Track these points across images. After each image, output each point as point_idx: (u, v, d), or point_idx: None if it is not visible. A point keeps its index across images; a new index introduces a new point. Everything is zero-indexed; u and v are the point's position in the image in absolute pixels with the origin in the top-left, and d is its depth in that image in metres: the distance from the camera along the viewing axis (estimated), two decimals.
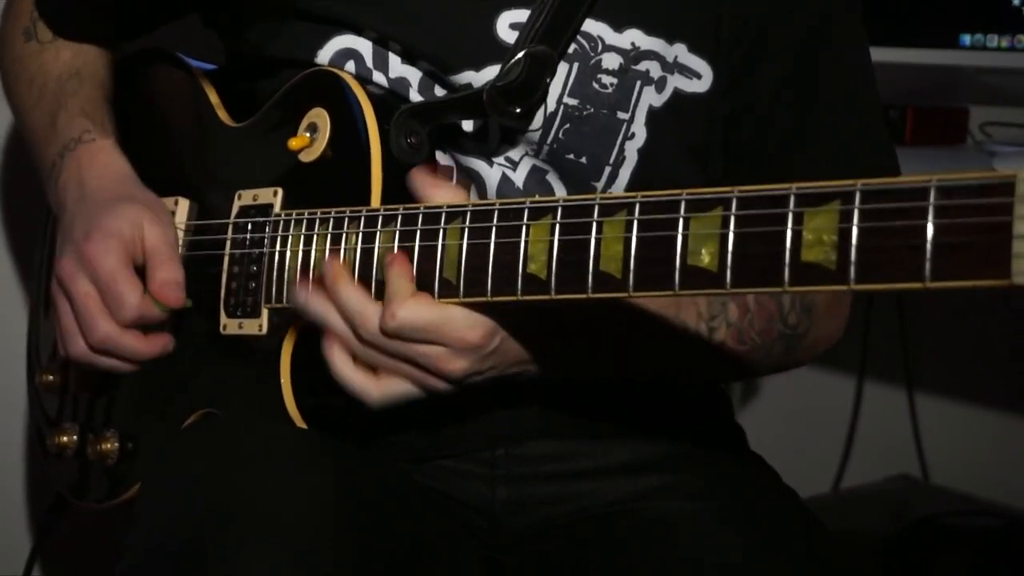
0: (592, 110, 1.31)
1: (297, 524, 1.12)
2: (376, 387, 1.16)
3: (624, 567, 1.30)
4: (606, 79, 1.30)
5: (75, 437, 1.50)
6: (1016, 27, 2.00)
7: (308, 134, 1.29)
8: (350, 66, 1.33)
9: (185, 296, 1.33)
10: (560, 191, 1.34)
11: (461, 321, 1.12)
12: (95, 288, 1.31)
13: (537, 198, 1.09)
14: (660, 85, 1.32)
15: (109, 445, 1.44)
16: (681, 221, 0.98)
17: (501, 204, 1.10)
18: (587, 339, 1.24)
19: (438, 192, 1.16)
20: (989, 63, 2.05)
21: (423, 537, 1.28)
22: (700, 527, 1.31)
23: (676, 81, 1.32)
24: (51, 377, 1.55)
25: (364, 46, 1.33)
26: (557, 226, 1.06)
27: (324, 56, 1.33)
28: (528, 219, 1.07)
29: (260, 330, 1.30)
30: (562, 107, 1.31)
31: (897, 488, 2.63)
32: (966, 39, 2.05)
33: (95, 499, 1.50)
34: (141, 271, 1.33)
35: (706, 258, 0.96)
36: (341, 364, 1.17)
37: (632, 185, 1.32)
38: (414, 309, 1.11)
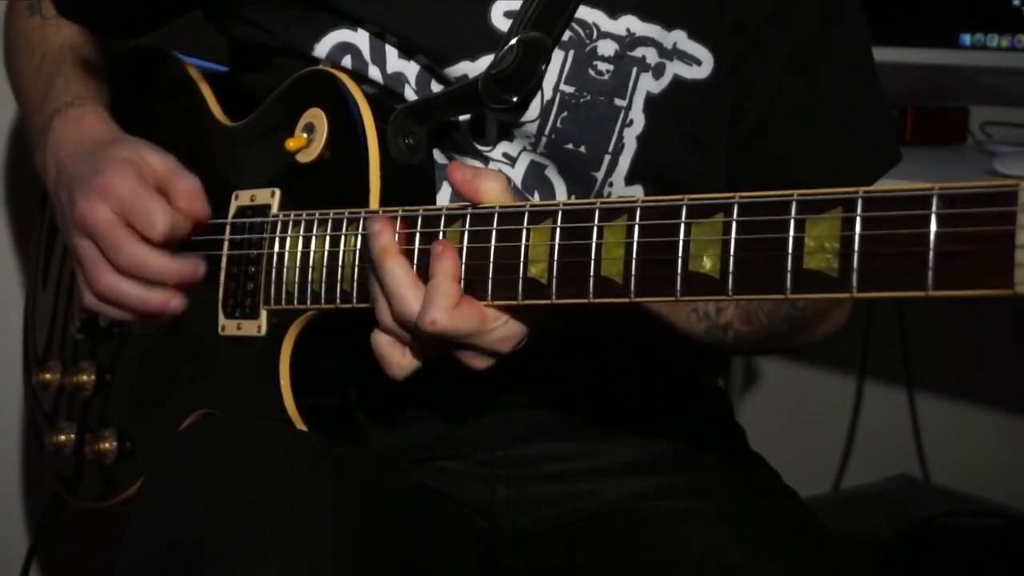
0: (589, 97, 1.30)
1: (296, 524, 1.12)
2: (399, 364, 1.16)
3: (624, 567, 1.31)
4: (602, 66, 1.30)
5: (72, 436, 1.50)
6: (1016, 27, 2.00)
7: (305, 135, 1.29)
8: (347, 61, 1.32)
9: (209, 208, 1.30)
10: (559, 186, 1.33)
11: (498, 333, 1.11)
12: (118, 217, 1.26)
13: (537, 200, 1.08)
14: (658, 71, 1.31)
15: (107, 444, 1.44)
16: (682, 227, 0.98)
17: (501, 207, 1.10)
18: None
19: (480, 178, 1.13)
20: (989, 63, 2.05)
21: (423, 537, 1.29)
22: (700, 527, 1.31)
23: (675, 68, 1.31)
24: (48, 375, 1.54)
25: (362, 40, 1.32)
26: (558, 230, 1.05)
27: (322, 49, 1.32)
28: (528, 222, 1.07)
29: (259, 331, 1.29)
30: (559, 95, 1.30)
31: (897, 488, 2.63)
32: (966, 39, 2.05)
33: (92, 499, 1.49)
34: None
35: (708, 264, 0.96)
36: (378, 331, 1.16)
37: (632, 172, 1.32)
38: (455, 320, 1.09)
